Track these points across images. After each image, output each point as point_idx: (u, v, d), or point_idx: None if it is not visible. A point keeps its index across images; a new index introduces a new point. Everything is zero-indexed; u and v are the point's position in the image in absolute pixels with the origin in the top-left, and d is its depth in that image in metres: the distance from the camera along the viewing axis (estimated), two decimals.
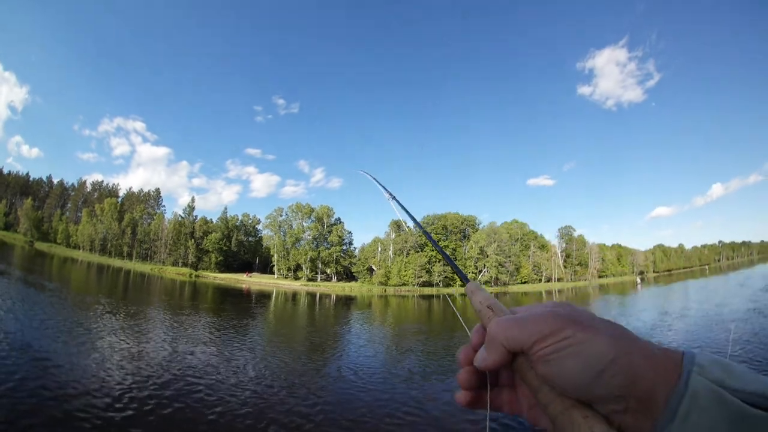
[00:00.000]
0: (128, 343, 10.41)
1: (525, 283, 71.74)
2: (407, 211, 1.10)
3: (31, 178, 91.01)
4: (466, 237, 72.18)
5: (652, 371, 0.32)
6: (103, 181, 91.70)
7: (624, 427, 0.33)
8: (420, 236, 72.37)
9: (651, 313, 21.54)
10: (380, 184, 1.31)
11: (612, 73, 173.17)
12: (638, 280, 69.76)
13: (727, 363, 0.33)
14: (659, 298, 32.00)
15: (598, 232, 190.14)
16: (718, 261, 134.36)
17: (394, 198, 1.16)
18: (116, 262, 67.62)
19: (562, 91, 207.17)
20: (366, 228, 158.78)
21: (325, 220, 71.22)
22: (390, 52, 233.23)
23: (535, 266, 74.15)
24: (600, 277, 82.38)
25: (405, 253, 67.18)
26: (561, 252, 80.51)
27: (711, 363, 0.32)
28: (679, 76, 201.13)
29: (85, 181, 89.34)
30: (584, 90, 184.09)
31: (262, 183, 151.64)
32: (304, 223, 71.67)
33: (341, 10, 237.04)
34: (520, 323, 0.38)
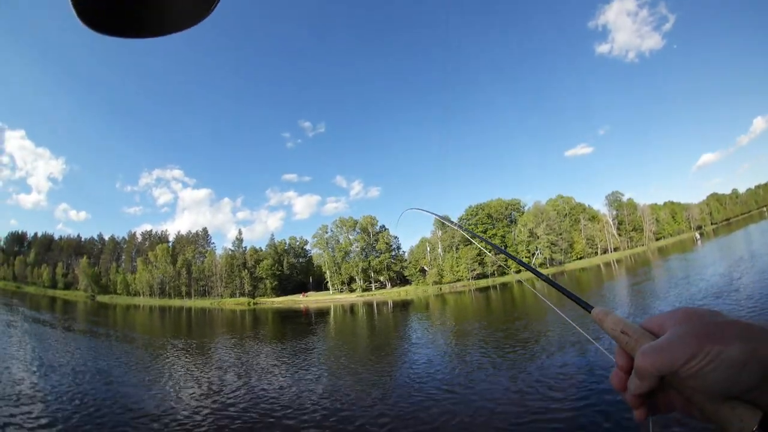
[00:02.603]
0: (203, 377, 10.75)
1: (581, 258, 69.12)
2: (465, 231, 1.34)
3: (83, 239, 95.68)
4: (513, 222, 70.51)
5: None
6: (152, 230, 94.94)
7: (767, 406, 0.38)
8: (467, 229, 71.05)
9: (718, 267, 20.58)
10: (435, 215, 1.53)
11: (626, 25, 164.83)
12: (697, 236, 65.95)
13: None
14: (723, 250, 30.34)
15: (647, 193, 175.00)
16: None
17: (450, 222, 1.42)
18: (176, 303, 70.34)
19: (580, 54, 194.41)
20: (412, 230, 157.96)
21: (370, 230, 71.57)
22: (399, 46, 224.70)
23: (588, 239, 71.46)
24: (657, 239, 78.38)
25: (454, 249, 66.33)
26: (613, 220, 77.11)
27: None
28: (693, 13, 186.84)
29: (135, 233, 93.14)
30: (602, 48, 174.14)
31: (303, 205, 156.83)
32: (350, 236, 72.20)
33: (343, 19, 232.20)
34: (664, 352, 0.43)
